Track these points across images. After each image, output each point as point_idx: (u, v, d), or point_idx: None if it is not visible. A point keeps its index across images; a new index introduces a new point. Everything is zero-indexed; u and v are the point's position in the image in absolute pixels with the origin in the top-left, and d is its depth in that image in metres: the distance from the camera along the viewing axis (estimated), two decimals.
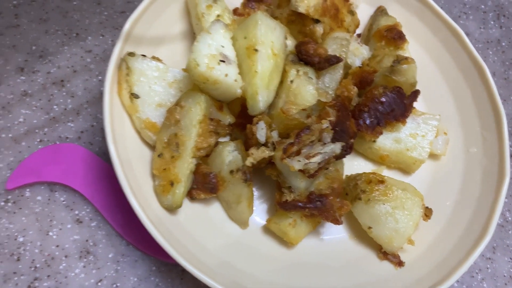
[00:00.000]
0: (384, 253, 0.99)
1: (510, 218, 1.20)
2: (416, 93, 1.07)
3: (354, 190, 1.00)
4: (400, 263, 0.98)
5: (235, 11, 1.10)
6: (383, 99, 1.04)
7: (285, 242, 0.99)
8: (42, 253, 1.00)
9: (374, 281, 0.96)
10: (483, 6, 1.49)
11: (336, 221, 0.93)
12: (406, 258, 0.99)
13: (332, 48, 1.07)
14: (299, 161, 0.88)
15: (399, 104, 1.05)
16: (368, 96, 1.05)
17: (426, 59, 1.21)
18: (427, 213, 0.99)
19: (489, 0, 1.49)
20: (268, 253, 0.99)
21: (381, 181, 0.98)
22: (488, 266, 1.14)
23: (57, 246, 1.01)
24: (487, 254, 1.15)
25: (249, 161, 0.93)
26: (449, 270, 0.93)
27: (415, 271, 0.97)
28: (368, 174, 1.01)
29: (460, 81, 1.17)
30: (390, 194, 0.96)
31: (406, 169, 1.12)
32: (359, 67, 1.08)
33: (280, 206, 0.96)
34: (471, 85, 1.15)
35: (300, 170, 0.89)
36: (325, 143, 0.90)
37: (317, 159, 0.89)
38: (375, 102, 1.04)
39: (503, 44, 1.43)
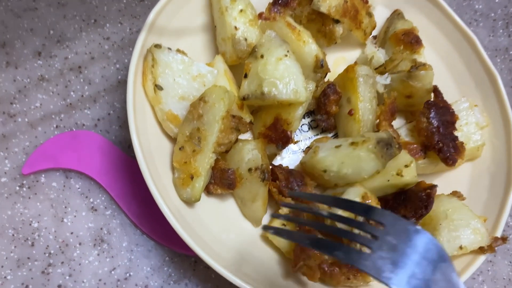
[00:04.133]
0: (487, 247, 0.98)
1: (511, 223, 1.24)
2: (436, 89, 1.10)
3: None
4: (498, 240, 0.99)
5: (260, 15, 1.10)
6: (435, 123, 1.03)
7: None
8: (56, 240, 1.00)
9: None
10: (493, 14, 1.51)
11: (293, 265, 0.90)
12: None
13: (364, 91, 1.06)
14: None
15: (443, 111, 1.05)
16: (424, 134, 1.04)
17: (440, 65, 1.23)
18: (457, 195, 1.02)
19: (499, 9, 1.52)
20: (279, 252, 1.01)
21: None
22: (489, 268, 1.18)
23: (72, 233, 1.01)
24: (489, 257, 1.18)
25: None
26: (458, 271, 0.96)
27: None
28: None
29: (472, 87, 1.19)
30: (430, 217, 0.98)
31: (474, 158, 1.14)
32: (382, 105, 1.08)
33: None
34: (482, 92, 1.18)
35: None
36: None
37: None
38: (435, 133, 1.03)
39: (511, 52, 1.46)
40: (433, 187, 0.96)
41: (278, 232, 0.80)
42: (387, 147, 0.94)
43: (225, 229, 0.99)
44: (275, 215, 0.88)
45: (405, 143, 1.06)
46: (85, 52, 1.16)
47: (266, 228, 0.83)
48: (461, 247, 0.95)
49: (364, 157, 0.94)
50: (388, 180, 0.97)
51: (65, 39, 1.16)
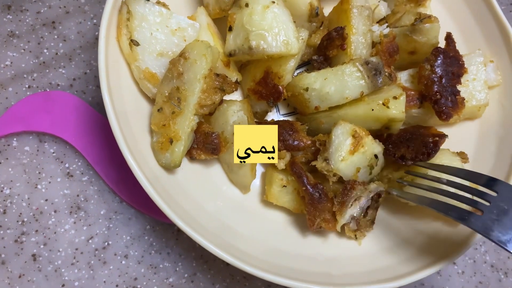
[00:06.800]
0: None
1: None
2: (450, 37, 1.01)
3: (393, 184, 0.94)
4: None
5: None
6: (439, 72, 0.96)
7: (288, 210, 0.94)
8: (30, 207, 0.95)
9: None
10: None
11: (311, 224, 0.88)
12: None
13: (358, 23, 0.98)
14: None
15: (451, 62, 0.98)
16: (423, 82, 0.97)
17: (447, 18, 1.13)
18: (463, 156, 0.95)
19: None
20: (269, 219, 0.95)
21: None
22: None
23: (46, 200, 0.96)
24: None
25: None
26: (461, 239, 0.90)
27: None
28: (389, 168, 0.96)
29: (482, 44, 1.10)
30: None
31: (473, 117, 1.07)
32: (378, 43, 0.99)
33: (290, 164, 0.91)
34: (493, 50, 1.08)
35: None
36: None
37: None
38: (435, 83, 0.95)
39: None
40: (443, 136, 0.90)
41: (403, 193, 0.88)
42: (375, 72, 0.91)
43: (210, 197, 0.93)
44: (399, 181, 0.91)
45: (402, 88, 0.98)
46: (59, 6, 1.09)
47: (400, 180, 0.90)
48: None
49: (349, 73, 0.90)
50: (372, 110, 0.91)
51: None
